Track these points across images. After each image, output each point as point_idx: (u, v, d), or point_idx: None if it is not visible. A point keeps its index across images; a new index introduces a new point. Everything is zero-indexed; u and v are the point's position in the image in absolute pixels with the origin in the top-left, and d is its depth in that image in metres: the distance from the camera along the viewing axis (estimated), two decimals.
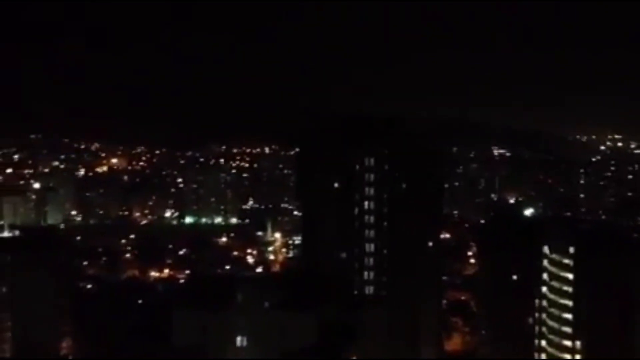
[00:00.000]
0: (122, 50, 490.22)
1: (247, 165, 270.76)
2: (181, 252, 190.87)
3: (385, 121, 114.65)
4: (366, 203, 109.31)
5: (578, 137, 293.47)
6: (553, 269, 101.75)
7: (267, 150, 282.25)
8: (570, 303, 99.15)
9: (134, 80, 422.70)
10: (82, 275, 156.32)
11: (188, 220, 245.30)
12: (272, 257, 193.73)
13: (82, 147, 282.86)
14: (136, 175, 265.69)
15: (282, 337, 76.72)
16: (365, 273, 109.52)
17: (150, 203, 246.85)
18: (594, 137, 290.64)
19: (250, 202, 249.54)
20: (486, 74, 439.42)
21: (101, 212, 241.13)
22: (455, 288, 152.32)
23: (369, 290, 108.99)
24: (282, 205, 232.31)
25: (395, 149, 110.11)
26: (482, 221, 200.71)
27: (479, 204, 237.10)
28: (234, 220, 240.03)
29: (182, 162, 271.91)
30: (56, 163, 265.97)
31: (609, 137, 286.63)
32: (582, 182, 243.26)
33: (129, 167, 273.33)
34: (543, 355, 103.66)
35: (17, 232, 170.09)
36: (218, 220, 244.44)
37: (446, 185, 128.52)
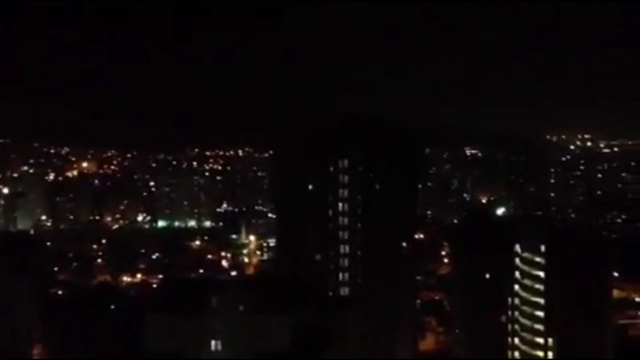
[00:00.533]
0: (91, 52, 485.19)
1: (220, 168, 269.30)
2: (154, 257, 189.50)
3: (360, 122, 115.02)
4: (340, 205, 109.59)
5: (548, 137, 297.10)
6: (525, 267, 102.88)
7: (240, 152, 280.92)
8: (542, 301, 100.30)
9: (104, 83, 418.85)
10: (53, 281, 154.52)
11: (161, 224, 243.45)
12: (246, 260, 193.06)
13: (52, 151, 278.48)
14: (107, 180, 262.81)
15: (257, 340, 76.32)
16: (340, 274, 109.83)
17: (122, 207, 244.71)
18: (563, 137, 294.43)
19: (224, 205, 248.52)
20: (456, 75, 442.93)
21: (72, 217, 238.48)
22: (429, 288, 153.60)
23: (344, 291, 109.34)
24: (257, 207, 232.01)
25: (369, 150, 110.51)
26: (455, 221, 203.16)
27: (452, 204, 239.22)
28: (207, 224, 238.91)
29: (154, 165, 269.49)
30: (25, 167, 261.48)
31: (579, 137, 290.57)
32: (552, 181, 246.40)
33: (100, 171, 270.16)
34: (516, 353, 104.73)
35: None
36: (191, 223, 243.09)
37: (419, 186, 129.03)
